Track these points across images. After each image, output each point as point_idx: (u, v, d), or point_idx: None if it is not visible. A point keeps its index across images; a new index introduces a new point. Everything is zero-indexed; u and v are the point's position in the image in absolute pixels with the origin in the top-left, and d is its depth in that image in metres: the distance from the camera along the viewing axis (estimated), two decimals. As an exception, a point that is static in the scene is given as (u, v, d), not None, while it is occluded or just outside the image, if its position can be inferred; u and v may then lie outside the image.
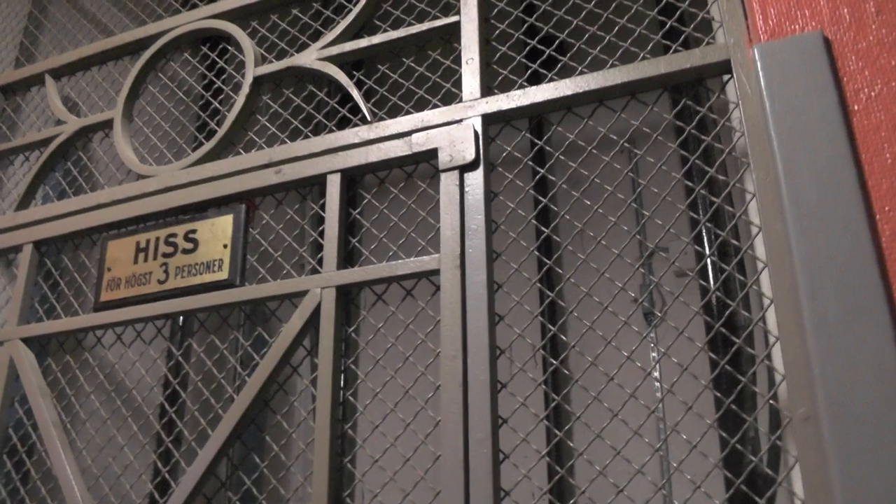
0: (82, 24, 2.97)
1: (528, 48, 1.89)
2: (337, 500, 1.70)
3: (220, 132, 2.15)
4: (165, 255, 2.09)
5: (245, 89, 2.16)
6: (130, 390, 2.18)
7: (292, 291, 1.84)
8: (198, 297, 1.97)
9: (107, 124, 2.44)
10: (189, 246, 2.05)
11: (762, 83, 1.47)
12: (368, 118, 1.95)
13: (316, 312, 1.79)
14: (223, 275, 1.97)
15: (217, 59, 2.35)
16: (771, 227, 1.42)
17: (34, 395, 2.11)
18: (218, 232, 2.02)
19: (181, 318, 3.09)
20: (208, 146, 2.15)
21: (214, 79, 2.40)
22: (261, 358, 1.84)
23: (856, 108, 1.37)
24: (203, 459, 1.82)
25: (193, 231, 2.06)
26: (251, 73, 2.18)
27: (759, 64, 1.48)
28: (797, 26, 1.49)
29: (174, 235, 2.09)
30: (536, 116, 1.82)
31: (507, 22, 1.96)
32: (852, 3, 1.46)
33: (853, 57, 1.41)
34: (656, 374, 2.84)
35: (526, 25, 1.93)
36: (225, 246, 1.99)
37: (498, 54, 1.92)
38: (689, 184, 1.63)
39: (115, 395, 2.17)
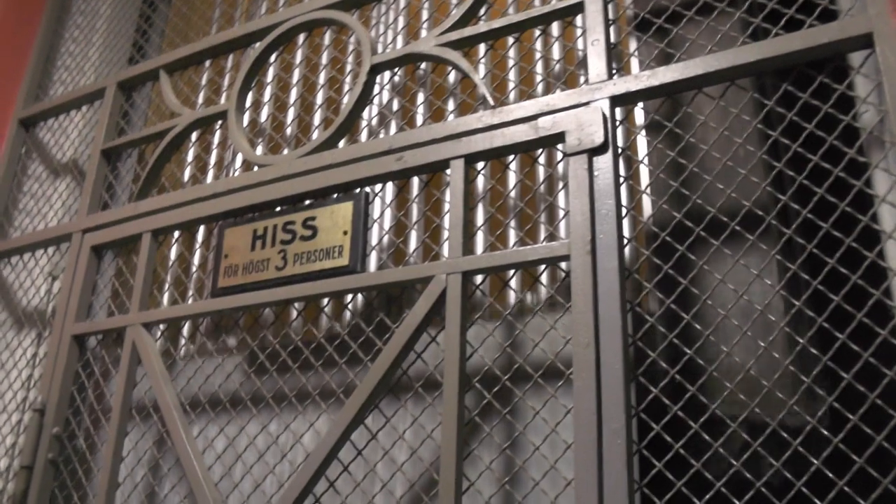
0: (192, 20, 3.02)
1: (654, 28, 1.84)
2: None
3: (338, 120, 2.15)
4: (283, 243, 2.10)
5: (362, 77, 2.16)
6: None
7: (417, 277, 1.83)
8: (320, 283, 1.97)
9: (220, 116, 2.48)
10: (307, 233, 2.06)
11: (914, 55, 1.40)
12: (491, 103, 1.92)
13: (441, 298, 1.77)
14: (343, 261, 1.97)
15: (332, 49, 2.35)
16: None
17: (156, 378, 2.14)
18: (338, 219, 2.02)
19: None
20: (326, 134, 2.15)
21: (330, 68, 2.41)
22: (384, 344, 1.83)
23: None
24: (325, 444, 1.82)
25: (312, 218, 2.07)
26: (368, 61, 2.17)
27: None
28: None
29: (292, 223, 2.11)
30: (665, 97, 1.76)
31: (630, 1, 1.91)
32: None
33: None
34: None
35: (651, 4, 1.88)
36: (345, 233, 1.99)
37: (624, 34, 1.87)
38: (827, 166, 1.54)
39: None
